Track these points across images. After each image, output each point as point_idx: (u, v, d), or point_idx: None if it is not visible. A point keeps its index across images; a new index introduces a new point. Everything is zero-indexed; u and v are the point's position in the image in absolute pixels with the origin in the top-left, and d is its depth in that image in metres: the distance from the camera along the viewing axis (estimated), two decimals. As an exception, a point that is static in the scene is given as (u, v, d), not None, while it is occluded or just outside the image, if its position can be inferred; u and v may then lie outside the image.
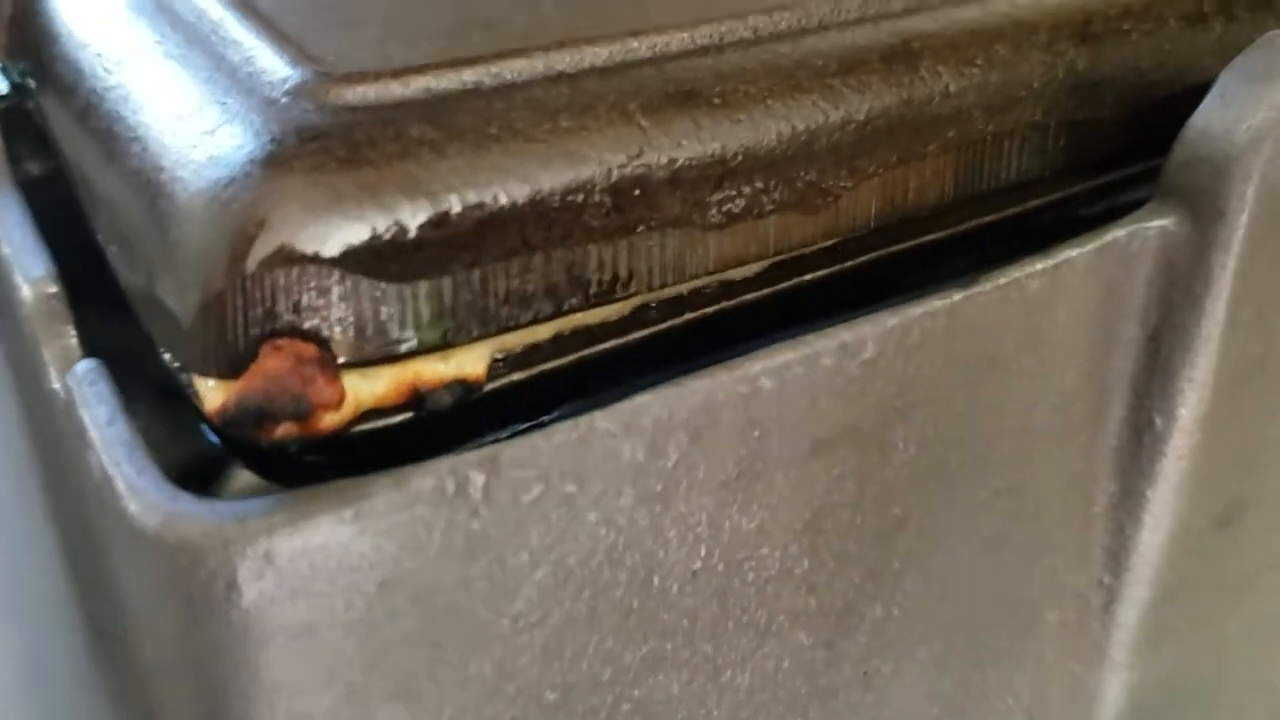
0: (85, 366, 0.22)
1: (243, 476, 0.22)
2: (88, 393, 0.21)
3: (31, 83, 0.28)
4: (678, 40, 0.24)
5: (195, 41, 0.24)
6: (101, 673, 0.27)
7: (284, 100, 0.21)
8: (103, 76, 0.24)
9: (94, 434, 0.21)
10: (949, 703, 0.28)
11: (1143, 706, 0.30)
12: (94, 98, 0.24)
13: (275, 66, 0.22)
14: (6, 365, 0.28)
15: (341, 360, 0.20)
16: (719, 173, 0.22)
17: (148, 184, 0.21)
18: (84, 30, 0.26)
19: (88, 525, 0.23)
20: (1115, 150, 0.27)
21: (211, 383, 0.20)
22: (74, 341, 0.23)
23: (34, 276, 0.24)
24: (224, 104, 0.21)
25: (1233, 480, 0.29)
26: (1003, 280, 0.24)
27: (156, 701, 0.21)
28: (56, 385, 0.23)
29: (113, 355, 0.23)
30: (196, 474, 0.22)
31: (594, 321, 0.23)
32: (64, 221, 0.26)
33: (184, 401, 0.21)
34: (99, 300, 0.24)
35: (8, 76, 0.30)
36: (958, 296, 0.24)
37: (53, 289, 0.24)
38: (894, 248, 0.25)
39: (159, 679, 0.21)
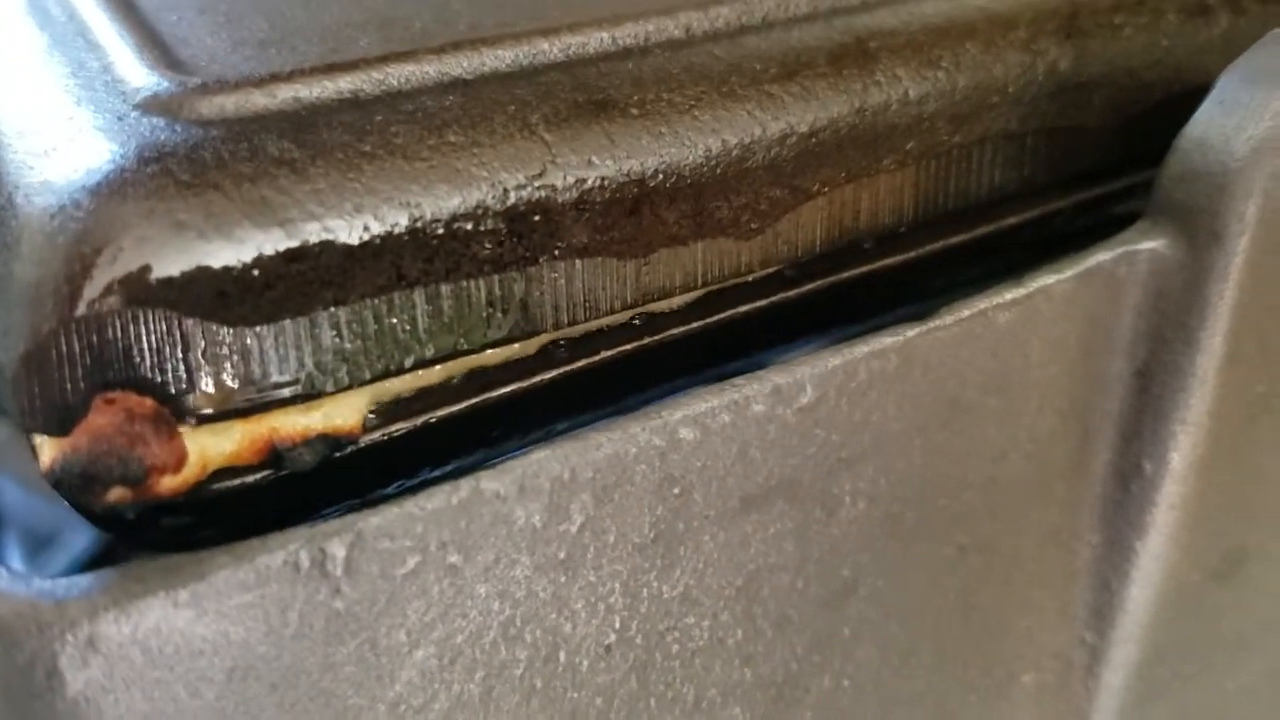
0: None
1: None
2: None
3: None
4: (595, 41, 0.21)
5: (60, 44, 0.21)
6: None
7: (133, 115, 0.19)
8: (-40, 82, 0.22)
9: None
10: (914, 775, 0.25)
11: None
12: (-47, 106, 0.22)
13: (131, 75, 0.19)
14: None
15: (186, 414, 0.17)
16: (635, 194, 0.20)
17: (-21, 209, 0.19)
18: (-48, 29, 0.24)
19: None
20: (1103, 162, 0.24)
21: (42, 438, 0.18)
22: None
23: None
24: (71, 119, 0.19)
25: (1232, 529, 0.26)
26: (965, 313, 0.21)
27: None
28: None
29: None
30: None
31: (493, 362, 0.20)
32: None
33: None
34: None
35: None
36: (912, 333, 0.21)
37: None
38: (843, 275, 0.22)
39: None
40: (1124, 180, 0.25)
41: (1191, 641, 0.26)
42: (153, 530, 0.18)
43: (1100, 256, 0.22)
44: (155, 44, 0.20)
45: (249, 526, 0.19)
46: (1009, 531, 0.24)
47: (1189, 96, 0.24)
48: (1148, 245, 0.23)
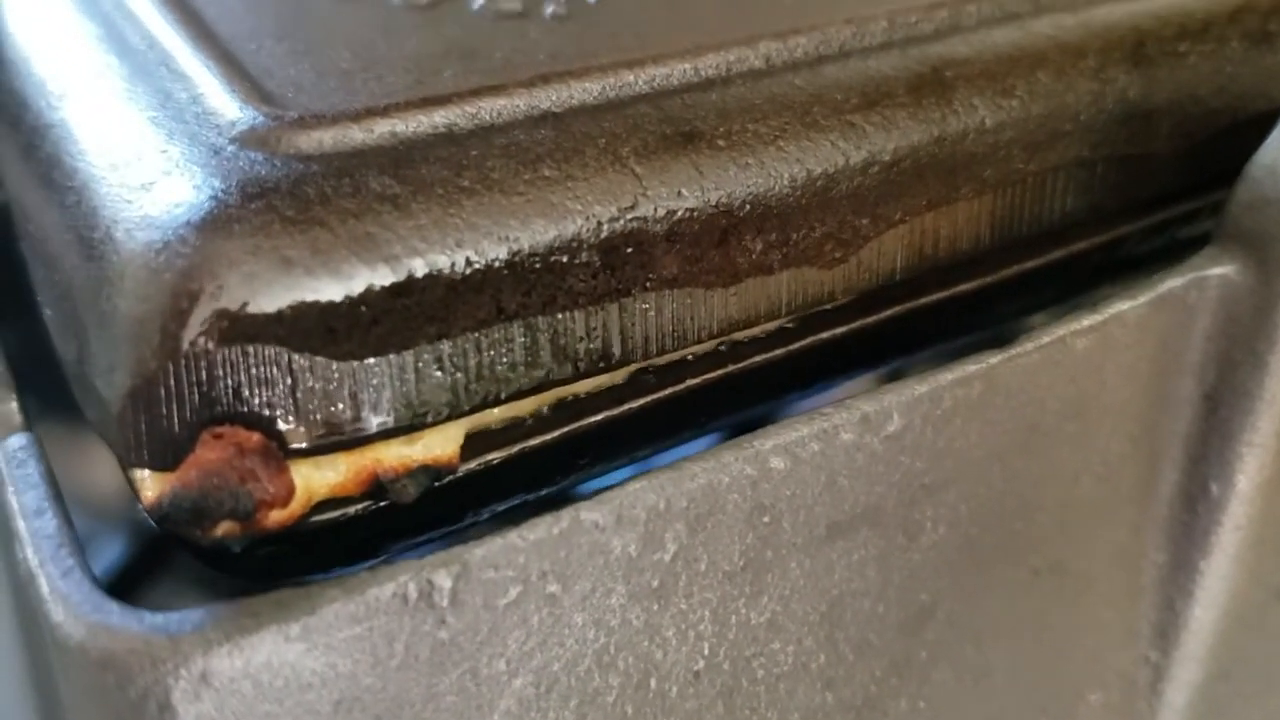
0: (17, 443, 0.20)
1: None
2: (16, 475, 0.19)
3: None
4: (679, 72, 0.21)
5: (143, 75, 0.21)
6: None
7: (230, 149, 0.19)
8: (45, 112, 0.22)
9: (20, 525, 0.18)
10: (980, 792, 0.25)
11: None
12: (35, 135, 0.22)
13: (224, 108, 0.19)
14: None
15: (291, 448, 0.18)
16: (724, 225, 0.20)
17: (79, 243, 0.19)
18: (31, 57, 0.24)
19: (26, 608, 0.21)
20: (1170, 186, 0.25)
21: (146, 473, 0.18)
22: (13, 406, 0.21)
23: (-30, 334, 0.22)
24: (165, 152, 0.19)
25: (1297, 550, 0.26)
26: (1045, 339, 0.22)
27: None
28: (-10, 456, 0.20)
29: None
30: (143, 559, 0.20)
31: (584, 391, 0.20)
32: (12, 265, 0.23)
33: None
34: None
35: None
36: (995, 359, 0.21)
37: (-10, 348, 0.22)
38: (922, 301, 0.22)
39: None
40: (1191, 203, 0.25)
41: (1254, 660, 0.27)
42: (246, 560, 0.19)
43: (1172, 283, 0.23)
44: (242, 75, 0.20)
45: (337, 556, 0.19)
46: (1079, 553, 0.24)
47: (1254, 121, 0.24)
48: (1218, 271, 0.23)
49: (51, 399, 0.22)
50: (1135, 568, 0.25)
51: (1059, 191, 0.23)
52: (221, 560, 0.19)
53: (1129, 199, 0.24)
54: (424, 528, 0.20)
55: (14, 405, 0.21)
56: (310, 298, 0.17)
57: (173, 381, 0.17)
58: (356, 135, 0.19)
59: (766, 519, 0.20)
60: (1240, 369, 0.23)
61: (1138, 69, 0.24)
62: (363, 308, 0.17)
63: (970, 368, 0.21)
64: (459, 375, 0.18)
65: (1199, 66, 0.25)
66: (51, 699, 0.21)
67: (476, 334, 0.18)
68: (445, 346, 0.18)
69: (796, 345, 0.21)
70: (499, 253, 0.18)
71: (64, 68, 0.23)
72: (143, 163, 0.19)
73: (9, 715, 0.31)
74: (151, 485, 0.18)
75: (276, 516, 0.18)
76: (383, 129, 0.19)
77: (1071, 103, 0.23)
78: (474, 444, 0.20)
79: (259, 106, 0.19)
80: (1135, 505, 0.24)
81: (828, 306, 0.21)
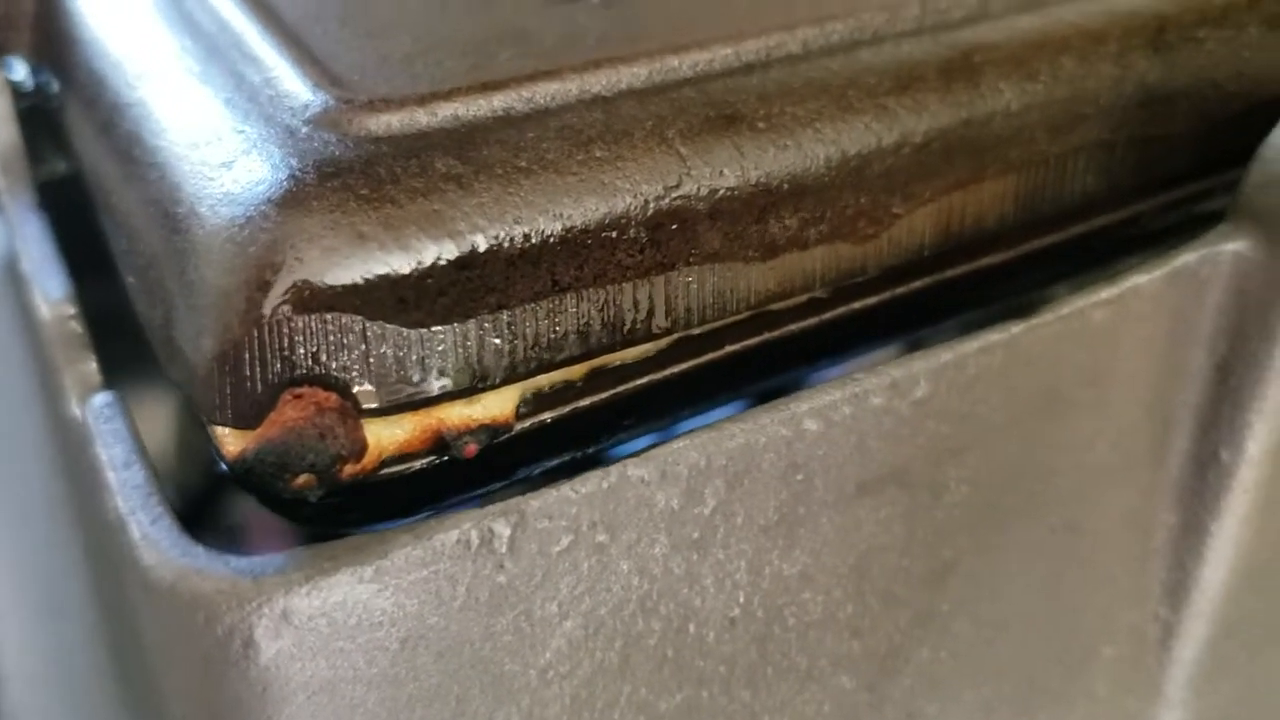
0: (102, 401, 0.21)
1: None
2: (104, 430, 0.21)
3: (55, 84, 0.27)
4: (721, 57, 0.22)
5: (216, 57, 0.23)
6: (120, 687, 0.26)
7: (304, 130, 0.20)
8: (123, 91, 0.23)
9: (109, 475, 0.20)
10: (997, 740, 0.27)
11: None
12: (114, 113, 0.23)
13: (296, 90, 0.21)
14: (33, 370, 0.28)
15: (364, 408, 0.19)
16: (763, 203, 0.21)
17: (164, 217, 0.20)
18: (106, 37, 0.25)
19: (107, 555, 0.22)
20: (1188, 167, 0.26)
21: (228, 430, 0.19)
22: (93, 367, 0.22)
23: (54, 298, 0.23)
24: (243, 132, 0.20)
25: (1303, 512, 0.27)
26: (1065, 310, 0.23)
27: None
28: (76, 412, 0.22)
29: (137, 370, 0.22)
30: (214, 504, 0.22)
31: (630, 358, 0.22)
32: (87, 230, 0.25)
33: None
34: (123, 317, 0.23)
35: (34, 76, 0.29)
36: (1017, 329, 0.22)
37: (71, 311, 0.23)
38: (949, 274, 0.24)
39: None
40: (1208, 181, 0.26)
41: (1259, 616, 0.28)
42: (319, 508, 0.20)
43: (1187, 257, 0.24)
44: (310, 59, 0.22)
45: (400, 509, 0.21)
46: (1093, 514, 0.25)
47: (1270, 103, 0.25)
48: (1231, 247, 0.24)
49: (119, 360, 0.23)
50: (1147, 529, 0.26)
51: (1080, 171, 0.24)
52: (297, 510, 0.20)
53: (1147, 178, 0.25)
54: (481, 483, 0.21)
55: (94, 365, 0.22)
56: (382, 270, 0.19)
57: (256, 347, 0.19)
58: (422, 118, 0.20)
59: (800, 477, 0.21)
60: (1251, 340, 0.24)
61: (1158, 54, 0.25)
62: (430, 279, 0.19)
63: (993, 337, 0.22)
64: (516, 342, 0.20)
65: (1218, 51, 0.26)
66: (131, 644, 0.23)
67: (533, 304, 0.20)
68: (504, 316, 0.19)
69: (829, 315, 0.23)
70: (554, 229, 0.20)
71: (139, 49, 0.24)
72: (222, 142, 0.20)
73: (77, 664, 0.32)
74: (234, 441, 0.19)
75: (351, 469, 0.19)
76: (446, 112, 0.20)
77: (1093, 86, 0.24)
78: (528, 405, 0.21)
79: (329, 90, 0.21)
80: (1147, 470, 0.26)
81: (859, 279, 0.23)
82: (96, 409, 0.21)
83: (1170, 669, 0.27)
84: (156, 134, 0.22)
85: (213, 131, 0.21)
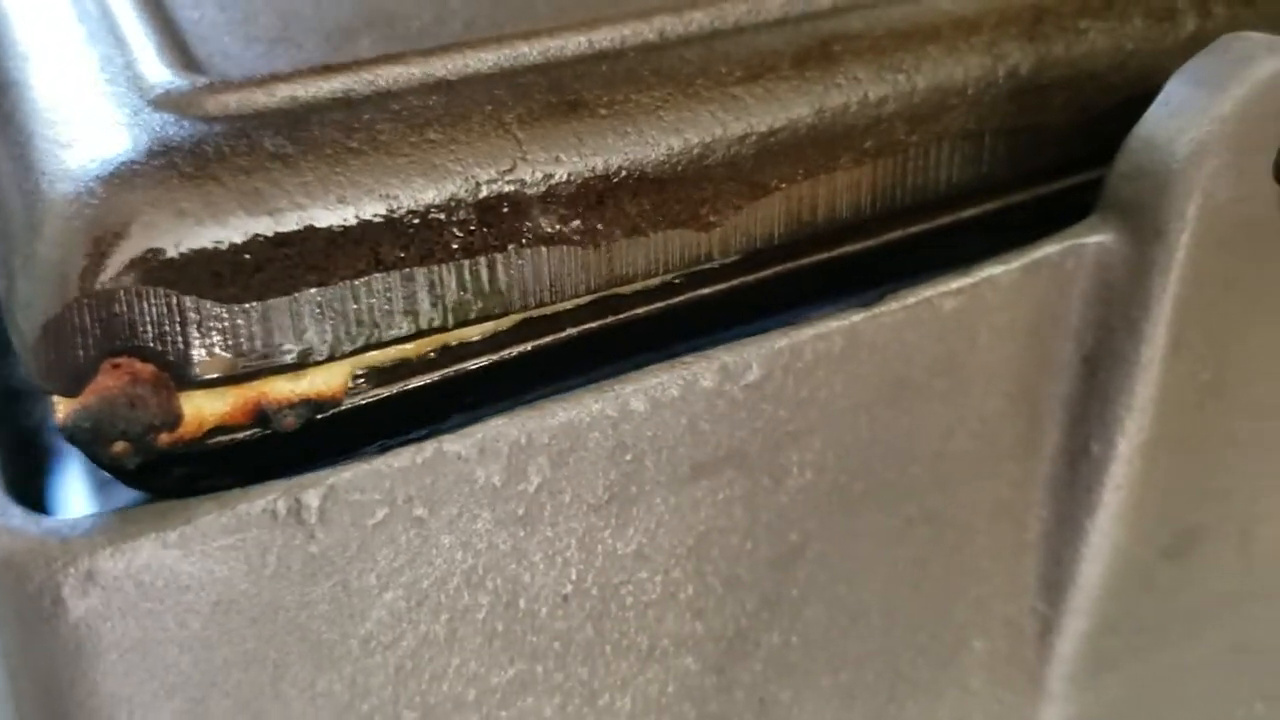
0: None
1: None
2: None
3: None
4: (573, 44, 0.23)
5: (93, 39, 0.23)
6: None
7: (147, 110, 0.21)
8: (9, 71, 0.24)
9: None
10: (860, 733, 0.27)
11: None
12: (2, 94, 0.24)
13: (150, 72, 0.22)
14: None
15: (188, 379, 0.20)
16: (599, 189, 0.22)
17: (16, 191, 0.21)
18: (6, 21, 0.26)
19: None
20: (1064, 159, 0.26)
21: (58, 397, 0.20)
22: None
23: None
24: (93, 111, 0.21)
25: (1183, 510, 0.27)
26: (911, 300, 0.23)
27: (17, 705, 0.22)
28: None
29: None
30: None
31: (469, 337, 0.22)
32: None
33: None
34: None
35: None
36: (857, 317, 0.23)
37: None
38: (805, 262, 0.24)
39: (12, 683, 0.21)
40: (1086, 175, 0.26)
41: (1144, 616, 0.28)
42: (166, 478, 0.21)
43: (1048, 249, 0.24)
44: (175, 42, 0.23)
45: (250, 478, 0.22)
46: (957, 505, 0.25)
47: (1151, 95, 0.25)
48: (1095, 239, 0.24)
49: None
50: (1020, 522, 0.26)
51: (943, 162, 0.24)
52: (134, 476, 0.21)
53: (1019, 170, 0.25)
54: (320, 457, 0.22)
55: None
56: (199, 245, 0.19)
57: (80, 318, 0.19)
58: (259, 99, 0.21)
59: (629, 457, 0.22)
60: (1116, 334, 0.24)
61: (1033, 44, 0.25)
62: (246, 255, 0.19)
63: (831, 324, 0.22)
64: (339, 320, 0.20)
65: (1098, 42, 0.25)
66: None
67: (354, 282, 0.20)
68: (325, 293, 0.20)
69: (677, 300, 0.23)
70: (379, 209, 0.20)
71: (31, 33, 0.25)
72: (73, 121, 0.21)
73: None
74: (61, 408, 0.20)
75: (166, 438, 0.20)
76: (283, 93, 0.21)
77: (960, 77, 0.24)
78: (367, 382, 0.22)
79: (180, 72, 0.21)
80: (1017, 462, 0.25)
81: (708, 266, 0.23)
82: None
83: (1051, 664, 0.27)
84: (27, 113, 0.23)
85: (71, 110, 0.22)
